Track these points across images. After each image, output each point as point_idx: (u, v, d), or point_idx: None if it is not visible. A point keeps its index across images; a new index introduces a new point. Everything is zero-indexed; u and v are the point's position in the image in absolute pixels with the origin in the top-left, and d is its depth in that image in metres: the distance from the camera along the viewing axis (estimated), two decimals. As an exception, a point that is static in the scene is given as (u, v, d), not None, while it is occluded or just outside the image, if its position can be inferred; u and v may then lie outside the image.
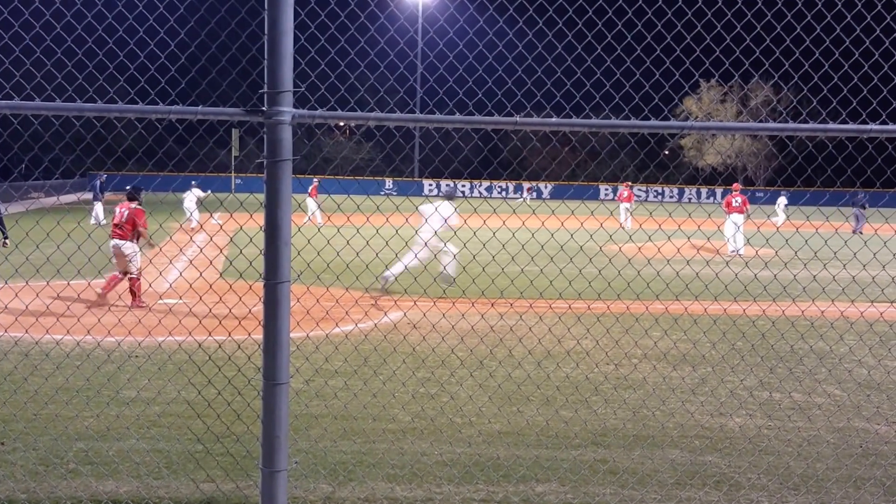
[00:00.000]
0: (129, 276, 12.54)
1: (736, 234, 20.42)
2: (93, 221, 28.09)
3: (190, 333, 7.64)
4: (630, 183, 34.97)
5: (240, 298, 6.38)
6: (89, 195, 30.64)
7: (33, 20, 5.38)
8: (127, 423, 6.90)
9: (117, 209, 12.87)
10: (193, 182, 29.17)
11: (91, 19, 5.30)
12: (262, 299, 3.88)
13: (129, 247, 12.52)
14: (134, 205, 12.83)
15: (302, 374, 8.32)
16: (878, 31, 5.76)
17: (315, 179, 33.74)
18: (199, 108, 4.01)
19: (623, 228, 28.45)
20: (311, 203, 30.16)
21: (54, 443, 6.40)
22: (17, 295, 6.60)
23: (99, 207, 29.13)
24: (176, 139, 5.55)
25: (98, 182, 30.08)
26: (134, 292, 12.43)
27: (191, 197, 27.92)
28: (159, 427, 6.85)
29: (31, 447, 6.30)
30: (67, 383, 7.70)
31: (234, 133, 42.01)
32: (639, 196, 62.01)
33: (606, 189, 62.22)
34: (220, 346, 7.83)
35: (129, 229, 12.57)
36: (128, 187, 13.35)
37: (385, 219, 5.68)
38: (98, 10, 5.30)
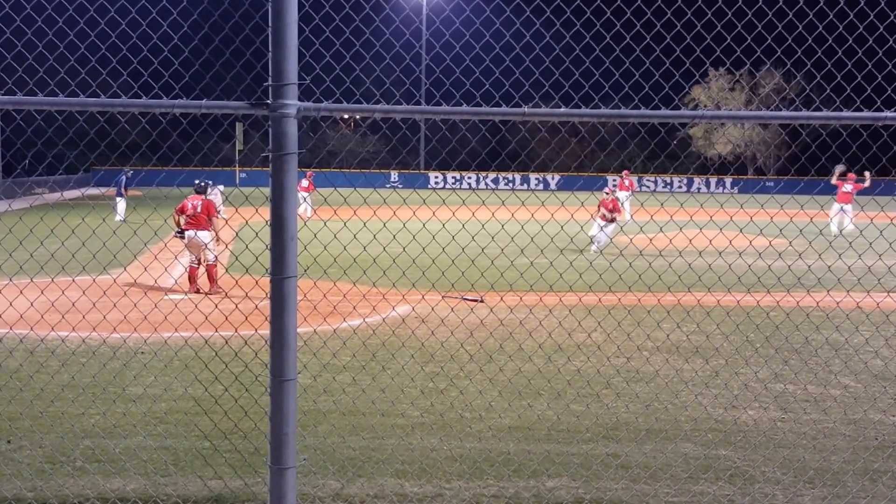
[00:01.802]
0: (206, 262, 13.44)
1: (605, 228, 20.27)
2: (118, 218, 27.53)
3: (196, 329, 7.59)
4: (629, 171, 34.55)
5: (246, 294, 6.32)
6: (113, 190, 29.83)
7: (35, 14, 5.32)
8: (134, 421, 6.86)
9: (188, 202, 13.66)
10: (213, 183, 28.04)
11: (93, 13, 5.23)
12: (268, 295, 3.83)
13: (206, 235, 13.45)
14: (203, 197, 13.74)
15: (309, 370, 8.26)
16: (892, 17, 5.65)
17: (308, 173, 32.26)
18: (203, 101, 3.96)
19: (632, 219, 28.11)
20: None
21: (61, 441, 6.37)
22: (21, 292, 6.56)
23: (122, 204, 28.45)
24: (180, 133, 5.48)
25: (123, 177, 29.43)
26: (212, 278, 13.22)
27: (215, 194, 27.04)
28: (166, 424, 6.81)
29: (37, 445, 6.27)
30: (73, 381, 7.66)
31: (239, 127, 41.88)
32: (647, 187, 61.73)
33: (614, 180, 61.81)
34: (226, 343, 7.78)
35: (205, 219, 13.47)
36: (196, 181, 14.15)
37: (392, 212, 5.60)
38: (100, 4, 5.23)
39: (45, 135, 5.74)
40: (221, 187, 27.41)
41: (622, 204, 29.84)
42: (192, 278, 13.45)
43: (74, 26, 5.26)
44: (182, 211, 13.70)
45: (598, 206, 19.77)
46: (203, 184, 14.16)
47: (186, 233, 13.56)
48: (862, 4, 5.88)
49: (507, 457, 6.23)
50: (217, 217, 13.76)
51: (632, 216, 29.33)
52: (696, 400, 7.67)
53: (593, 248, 19.07)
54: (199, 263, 13.59)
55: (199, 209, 13.61)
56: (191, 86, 5.39)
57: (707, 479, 5.89)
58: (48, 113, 4.32)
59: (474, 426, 6.93)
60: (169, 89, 4.76)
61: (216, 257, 13.56)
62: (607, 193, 20.80)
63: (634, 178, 31.81)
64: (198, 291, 13.07)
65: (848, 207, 26.03)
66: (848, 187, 26.85)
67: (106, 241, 6.13)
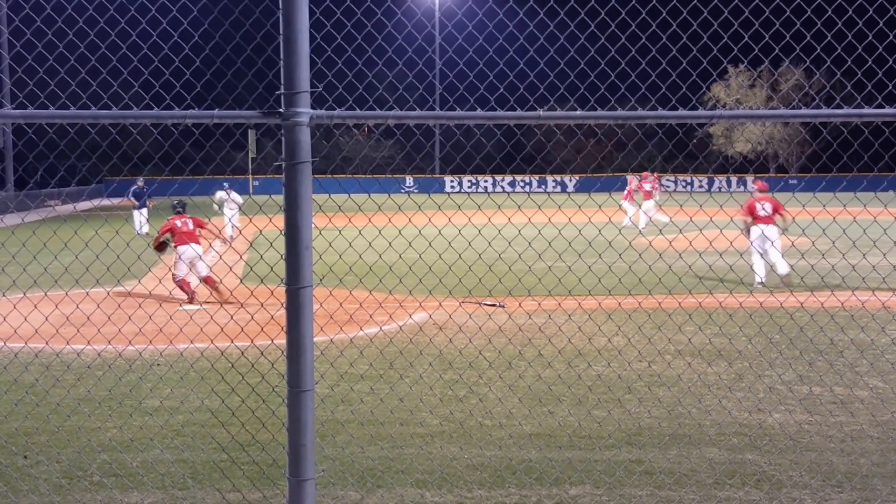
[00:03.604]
0: (199, 276, 13.64)
1: None
2: (137, 230, 27.04)
3: (212, 341, 7.55)
4: (636, 176, 34.52)
5: (261, 305, 6.26)
6: (128, 201, 29.32)
7: (45, 27, 5.30)
8: (150, 434, 6.81)
9: (178, 221, 14.03)
10: (226, 184, 26.35)
11: (104, 24, 5.20)
12: (284, 305, 3.77)
13: (199, 248, 13.86)
14: (187, 215, 14.25)
15: (327, 380, 8.20)
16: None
17: None
18: (216, 111, 3.93)
19: (650, 220, 27.88)
20: None
21: (78, 455, 6.33)
22: (36, 306, 6.53)
23: (136, 216, 27.80)
24: (193, 143, 5.44)
25: (135, 188, 28.84)
26: (213, 287, 13.44)
27: (230, 203, 25.33)
28: (183, 437, 6.76)
29: (54, 460, 6.23)
30: (90, 394, 7.63)
31: (251, 134, 41.92)
32: (667, 187, 61.37)
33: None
34: (242, 354, 7.73)
35: (196, 233, 13.95)
36: (175, 202, 14.81)
37: (408, 219, 5.54)
38: (111, 16, 5.20)
39: (58, 148, 5.72)
40: (235, 196, 26.62)
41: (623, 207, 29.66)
42: (183, 288, 13.72)
43: (85, 38, 5.23)
44: (173, 230, 14.10)
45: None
46: (180, 203, 14.79)
47: (179, 248, 13.91)
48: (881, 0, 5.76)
49: (529, 464, 6.14)
50: (207, 226, 14.29)
51: (631, 219, 28.95)
52: (720, 404, 7.54)
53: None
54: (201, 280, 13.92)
55: (190, 225, 14.10)
56: (202, 95, 5.36)
57: (733, 485, 5.78)
58: (60, 125, 4.29)
59: (495, 434, 6.84)
60: (181, 99, 4.72)
61: (210, 268, 13.93)
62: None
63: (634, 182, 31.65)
64: (191, 301, 13.38)
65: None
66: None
67: (120, 254, 6.09)
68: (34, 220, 28.71)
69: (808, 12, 5.38)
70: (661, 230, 9.95)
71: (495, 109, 4.19)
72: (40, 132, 4.97)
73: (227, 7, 5.88)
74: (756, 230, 12.99)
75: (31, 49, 5.44)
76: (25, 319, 6.73)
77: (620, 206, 29.19)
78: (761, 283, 13.22)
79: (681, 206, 6.04)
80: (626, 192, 30.01)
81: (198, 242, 14.02)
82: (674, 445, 6.54)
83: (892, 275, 8.78)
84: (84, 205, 45.65)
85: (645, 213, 27.93)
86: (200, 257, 13.85)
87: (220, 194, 25.69)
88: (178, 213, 14.40)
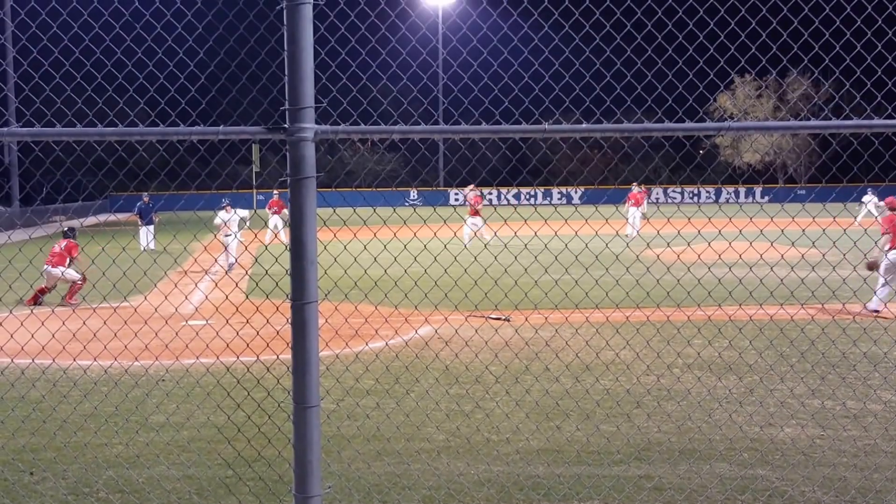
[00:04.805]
0: (69, 282, 15.94)
1: None
2: (143, 247, 26.50)
3: (217, 357, 7.52)
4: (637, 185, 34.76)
5: (267, 320, 6.23)
6: (135, 217, 29.08)
7: (52, 46, 5.31)
8: (157, 450, 6.78)
9: (56, 245, 16.39)
10: (225, 200, 23.53)
11: (109, 42, 5.21)
12: (289, 320, 3.75)
13: (57, 271, 16.03)
14: (69, 240, 16.63)
15: (332, 395, 8.16)
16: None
17: (275, 192, 29.59)
18: (221, 128, 3.92)
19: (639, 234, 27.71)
20: (274, 219, 28.04)
21: (84, 472, 6.31)
22: (43, 323, 6.51)
23: (143, 231, 27.01)
24: (198, 159, 5.43)
25: (140, 204, 28.56)
26: (71, 293, 15.67)
27: (228, 227, 21.96)
28: (189, 453, 6.73)
29: (60, 476, 6.21)
30: (96, 411, 7.61)
31: (255, 148, 41.85)
32: (674, 198, 61.24)
33: (640, 190, 60.99)
34: (248, 369, 7.69)
35: (64, 256, 16.07)
36: (66, 228, 17.43)
37: (413, 233, 5.52)
38: (116, 34, 5.21)
39: (64, 165, 5.73)
40: (245, 212, 25.42)
41: (632, 219, 29.73)
42: (37, 295, 15.57)
43: (90, 56, 5.24)
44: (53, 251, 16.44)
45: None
46: (68, 230, 17.29)
47: (45, 267, 15.95)
48: (890, 9, 5.74)
49: (537, 480, 6.09)
50: (77, 256, 16.28)
51: (638, 232, 28.78)
52: (730, 418, 7.47)
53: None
54: (49, 290, 15.91)
55: (62, 247, 16.23)
56: (207, 112, 5.35)
57: (744, 501, 5.72)
58: (66, 143, 4.29)
59: (501, 449, 6.79)
60: (186, 116, 4.71)
61: (74, 291, 15.88)
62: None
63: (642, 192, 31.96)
64: (37, 302, 15.17)
65: (478, 221, 24.77)
66: (470, 196, 28.41)
67: (126, 270, 6.09)
68: (41, 237, 28.76)
69: (816, 22, 5.35)
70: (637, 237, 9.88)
71: (500, 123, 4.17)
72: (47, 149, 4.98)
73: (231, 24, 5.89)
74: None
75: (37, 67, 5.46)
76: (32, 336, 6.72)
77: (627, 218, 29.28)
78: (876, 311, 12.10)
79: (689, 218, 6.00)
80: (628, 197, 30.99)
81: (55, 265, 16.02)
82: (683, 461, 6.47)
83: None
84: (90, 221, 45.74)
85: (631, 224, 29.35)
86: (62, 275, 15.92)
87: (220, 216, 22.44)
88: (67, 237, 16.69)
